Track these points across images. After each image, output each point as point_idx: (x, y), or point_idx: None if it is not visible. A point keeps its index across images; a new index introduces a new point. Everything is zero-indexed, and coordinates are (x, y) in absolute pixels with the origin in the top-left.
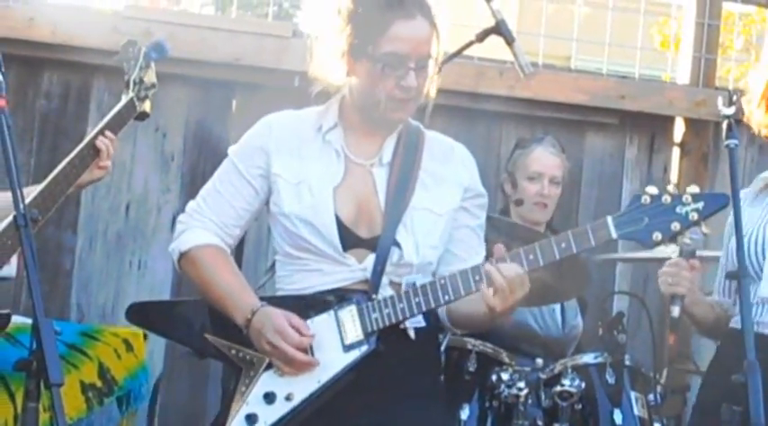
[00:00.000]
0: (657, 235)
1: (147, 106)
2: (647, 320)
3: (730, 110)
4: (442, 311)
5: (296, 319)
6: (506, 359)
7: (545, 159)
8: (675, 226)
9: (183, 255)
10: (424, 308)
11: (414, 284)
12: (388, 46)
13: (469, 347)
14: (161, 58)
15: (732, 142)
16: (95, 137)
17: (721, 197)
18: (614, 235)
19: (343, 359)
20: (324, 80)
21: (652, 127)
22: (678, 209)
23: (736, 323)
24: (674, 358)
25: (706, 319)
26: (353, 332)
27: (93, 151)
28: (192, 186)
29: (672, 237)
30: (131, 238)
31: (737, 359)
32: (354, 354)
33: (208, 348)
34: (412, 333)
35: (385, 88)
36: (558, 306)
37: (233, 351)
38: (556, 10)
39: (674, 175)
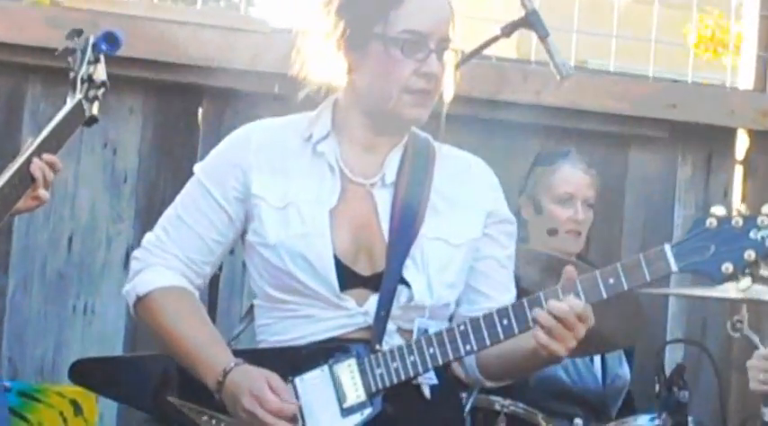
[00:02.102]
0: (728, 267)
1: (95, 109)
2: (708, 371)
3: None
4: (471, 359)
5: (276, 380)
6: (542, 422)
7: (576, 177)
8: (750, 254)
9: (140, 300)
10: (440, 361)
11: (426, 331)
12: (404, 22)
13: (498, 408)
14: (113, 52)
15: None
16: (29, 160)
17: None
18: (674, 267)
19: None
20: (315, 81)
21: (709, 141)
22: (752, 234)
23: None
24: None
25: None
26: (353, 391)
27: (27, 176)
28: (148, 214)
29: (745, 269)
30: (75, 277)
31: None
32: (355, 419)
33: (171, 413)
34: (427, 391)
35: (400, 76)
36: (597, 357)
37: (204, 418)
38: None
39: (736, 199)
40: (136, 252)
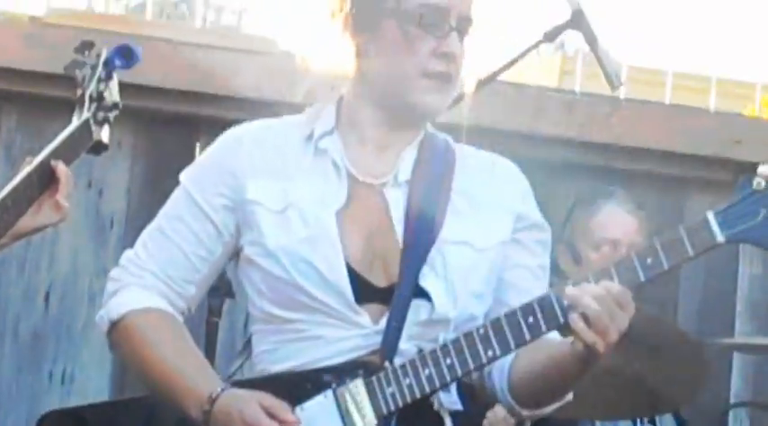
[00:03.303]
0: None
1: (105, 134)
2: None
3: None
4: (500, 382)
5: (269, 400)
6: None
7: (618, 220)
8: None
9: (114, 325)
10: (459, 372)
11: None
12: None
13: None
14: (128, 68)
15: None
16: (48, 158)
17: None
18: (720, 237)
19: None
20: (317, 73)
21: None
22: None
23: None
24: None
25: None
26: (362, 416)
27: (46, 179)
28: None
29: None
30: (53, 339)
31: None
32: None
33: None
34: (449, 422)
35: (417, 57)
36: None
37: None
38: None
39: None
40: (112, 273)
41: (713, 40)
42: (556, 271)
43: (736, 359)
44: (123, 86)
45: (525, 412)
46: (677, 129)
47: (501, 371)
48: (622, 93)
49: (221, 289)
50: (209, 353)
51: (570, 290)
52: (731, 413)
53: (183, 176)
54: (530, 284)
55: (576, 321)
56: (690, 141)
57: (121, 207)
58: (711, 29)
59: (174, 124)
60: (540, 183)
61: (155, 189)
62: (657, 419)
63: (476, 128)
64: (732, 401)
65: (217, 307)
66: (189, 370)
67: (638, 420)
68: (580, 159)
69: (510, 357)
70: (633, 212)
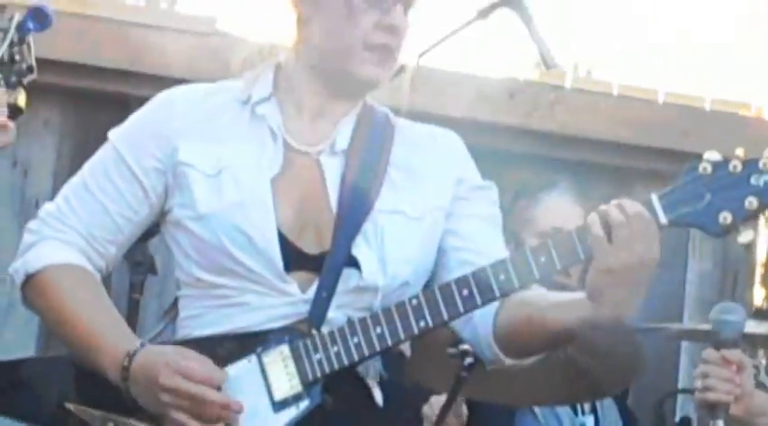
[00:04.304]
0: (726, 217)
1: (21, 99)
2: None
3: None
4: (487, 334)
5: (191, 352)
6: None
7: (562, 210)
8: (751, 202)
9: (29, 279)
10: (389, 342)
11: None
12: None
13: None
14: (42, 30)
15: None
16: None
17: None
18: (663, 219)
19: (273, 423)
20: (255, 41)
21: None
22: (754, 180)
23: None
24: None
25: None
26: (287, 383)
27: None
28: None
29: (747, 220)
30: None
31: None
32: (290, 413)
33: (71, 423)
34: (378, 396)
35: (360, 28)
36: (590, 420)
37: (109, 424)
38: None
39: (762, 250)
40: (30, 224)
41: (662, 54)
42: None
43: (684, 346)
44: (52, 64)
45: (508, 361)
46: (623, 120)
47: (485, 320)
48: (568, 82)
49: (144, 265)
50: (131, 328)
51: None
52: (678, 399)
53: (112, 134)
54: (485, 229)
55: (595, 232)
56: (636, 132)
57: (47, 188)
58: (661, 42)
59: (104, 103)
60: (482, 172)
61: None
62: (599, 406)
63: (418, 114)
64: (680, 387)
65: (138, 284)
66: (106, 328)
67: (579, 406)
68: (523, 148)
69: (495, 305)
70: (577, 202)
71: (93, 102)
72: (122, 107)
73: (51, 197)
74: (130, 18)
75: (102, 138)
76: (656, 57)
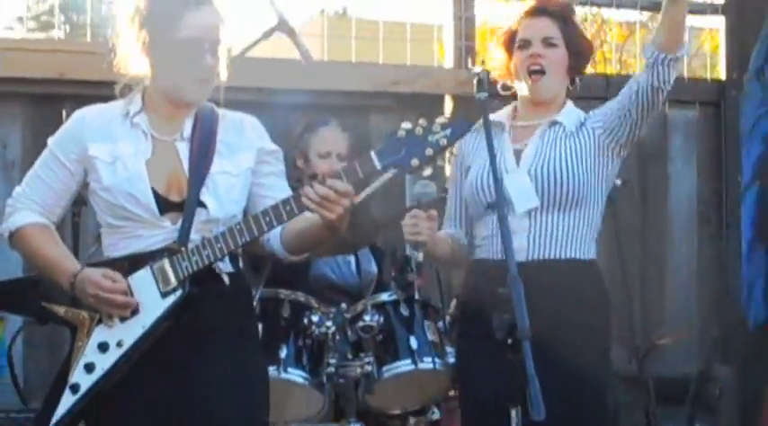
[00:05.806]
0: (415, 161)
1: None
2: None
3: (478, 69)
4: (276, 242)
5: (109, 271)
6: (315, 304)
7: (333, 138)
8: (429, 151)
9: (12, 234)
10: (225, 251)
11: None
12: (184, 32)
13: (282, 297)
14: None
15: (482, 95)
16: None
17: (465, 123)
18: (378, 165)
19: (162, 304)
20: (128, 74)
21: (424, 106)
22: (430, 138)
23: (482, 253)
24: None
25: (444, 255)
26: (168, 280)
27: None
28: None
29: (428, 161)
30: None
31: (486, 282)
32: (171, 299)
33: (47, 314)
34: (226, 279)
35: (187, 71)
36: (352, 258)
37: (68, 314)
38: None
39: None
40: (8, 201)
41: None
42: (293, 167)
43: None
44: (15, 80)
45: (292, 258)
46: (359, 76)
47: (275, 236)
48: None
49: (80, 202)
50: (75, 240)
51: (307, 192)
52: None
53: (49, 141)
54: (277, 183)
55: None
56: (363, 82)
57: (18, 154)
58: None
59: (47, 101)
60: (280, 119)
61: (37, 142)
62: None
63: (243, 89)
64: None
65: (77, 212)
66: (60, 259)
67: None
68: (306, 101)
69: (281, 226)
70: (341, 132)
71: (39, 101)
72: (57, 102)
73: (22, 161)
74: (62, 47)
75: (49, 124)
76: None
